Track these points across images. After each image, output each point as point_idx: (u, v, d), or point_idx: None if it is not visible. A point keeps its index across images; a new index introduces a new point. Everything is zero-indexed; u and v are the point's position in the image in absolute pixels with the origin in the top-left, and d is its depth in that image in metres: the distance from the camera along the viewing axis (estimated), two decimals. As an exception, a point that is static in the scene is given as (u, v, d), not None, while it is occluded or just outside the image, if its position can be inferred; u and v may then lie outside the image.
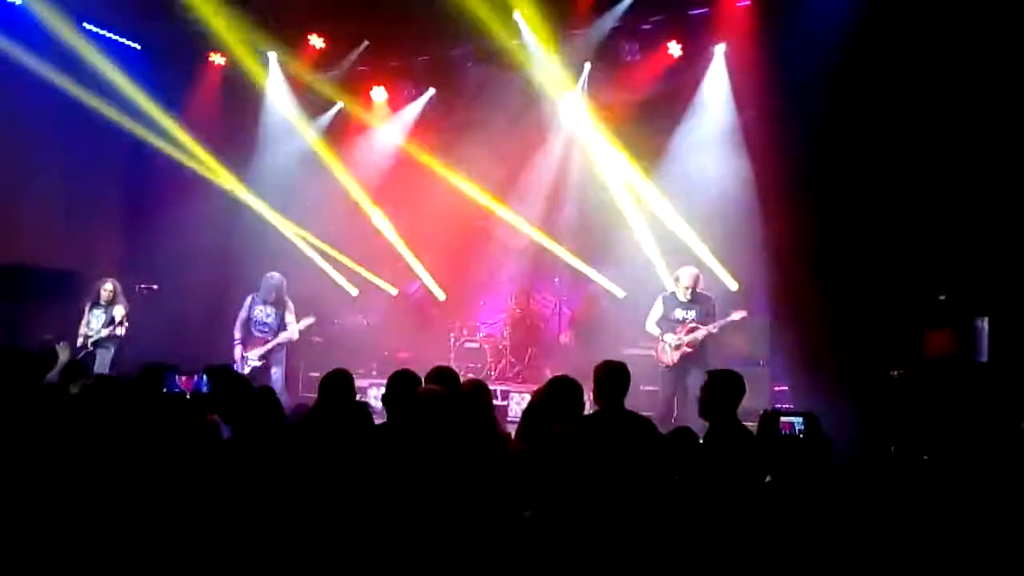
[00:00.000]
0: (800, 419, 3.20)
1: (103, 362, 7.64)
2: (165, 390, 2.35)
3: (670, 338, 6.80)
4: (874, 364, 6.68)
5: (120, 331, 7.73)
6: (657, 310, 6.98)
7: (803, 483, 2.96)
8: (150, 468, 2.20)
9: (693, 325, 6.78)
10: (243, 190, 9.87)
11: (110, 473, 2.11)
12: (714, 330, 6.75)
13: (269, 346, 7.59)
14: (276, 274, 7.79)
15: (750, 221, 7.87)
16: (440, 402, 2.93)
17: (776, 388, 7.78)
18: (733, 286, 8.12)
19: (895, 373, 6.36)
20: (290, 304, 7.74)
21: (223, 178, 9.80)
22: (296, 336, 7.76)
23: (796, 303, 7.58)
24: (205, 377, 2.16)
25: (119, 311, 7.75)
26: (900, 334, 6.68)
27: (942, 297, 6.47)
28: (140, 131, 9.20)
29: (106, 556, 1.81)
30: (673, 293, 6.99)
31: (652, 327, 6.96)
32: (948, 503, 2.98)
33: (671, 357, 6.75)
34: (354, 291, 10.28)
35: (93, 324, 7.74)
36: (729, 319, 6.83)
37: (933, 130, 6.88)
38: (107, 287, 7.78)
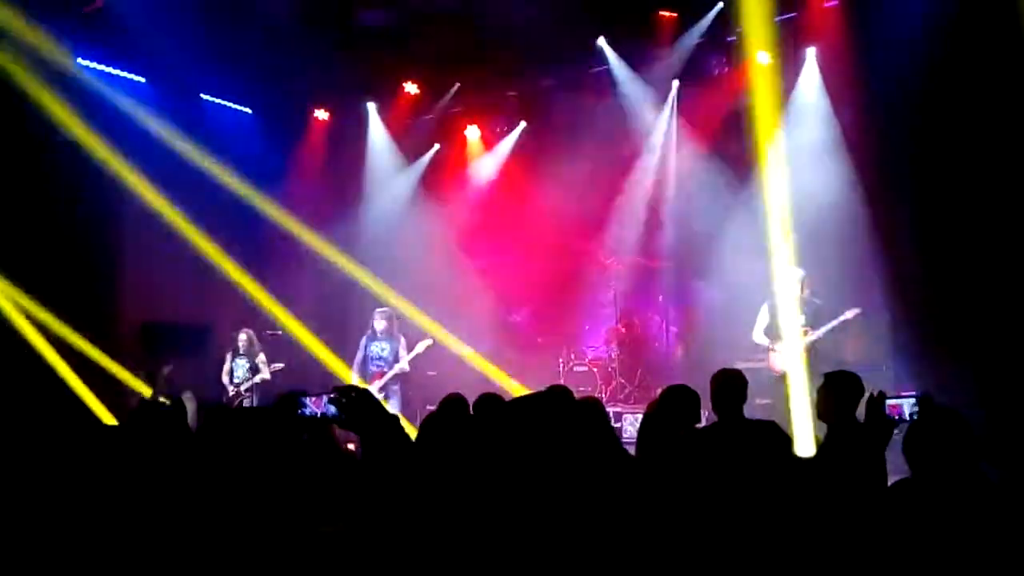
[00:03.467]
0: (911, 401, 2.85)
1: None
2: (300, 412, 2.49)
3: (781, 346, 6.63)
4: (1009, 363, 6.33)
5: (267, 376, 8.20)
6: (763, 318, 6.83)
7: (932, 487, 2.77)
8: (290, 490, 2.28)
9: (804, 329, 6.60)
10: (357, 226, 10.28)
11: (260, 497, 2.19)
12: (824, 333, 6.54)
13: (385, 379, 7.88)
14: (387, 307, 8.11)
15: (856, 223, 7.63)
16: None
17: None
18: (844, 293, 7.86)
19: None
20: (402, 338, 8.03)
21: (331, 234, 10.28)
22: (407, 367, 8.00)
23: (914, 304, 7.28)
24: (332, 396, 2.23)
25: (261, 358, 8.24)
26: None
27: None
28: (255, 191, 9.85)
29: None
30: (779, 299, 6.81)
31: (760, 336, 6.80)
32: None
33: (783, 365, 6.59)
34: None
35: (238, 373, 8.21)
36: (842, 318, 6.59)
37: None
38: (242, 337, 8.27)
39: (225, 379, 8.24)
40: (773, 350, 6.69)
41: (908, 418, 2.84)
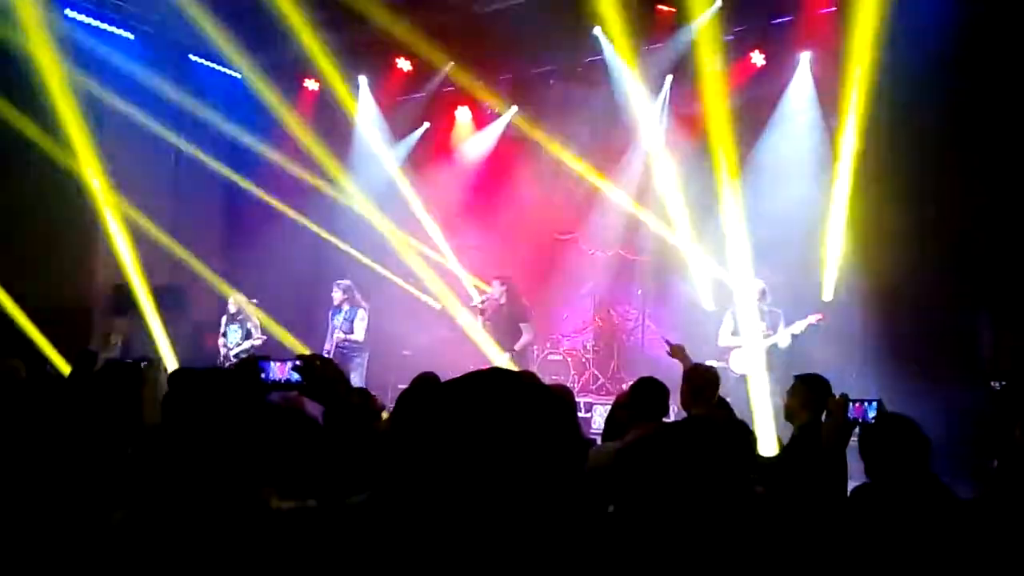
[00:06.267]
0: (875, 404, 2.98)
1: None
2: (264, 377, 2.46)
3: (742, 349, 6.74)
4: (974, 375, 6.43)
5: (256, 341, 8.19)
6: (728, 324, 6.96)
7: (894, 491, 2.84)
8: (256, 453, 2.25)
9: (766, 334, 6.70)
10: (341, 200, 10.27)
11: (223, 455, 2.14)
12: (785, 340, 6.67)
13: (330, 344, 7.94)
14: (345, 280, 8.20)
15: (838, 229, 7.70)
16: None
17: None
18: (827, 296, 7.94)
19: (997, 385, 6.09)
20: (363, 309, 8.06)
21: (316, 200, 10.24)
22: (360, 337, 8.03)
23: (889, 314, 7.35)
24: (295, 363, 2.22)
25: (254, 323, 8.24)
26: (1001, 345, 6.41)
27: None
28: (238, 156, 9.77)
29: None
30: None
31: (726, 339, 6.92)
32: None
33: (744, 368, 6.72)
34: (437, 304, 10.49)
35: (231, 338, 8.21)
36: (804, 323, 6.70)
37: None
38: (232, 301, 8.29)
39: (220, 344, 8.23)
40: (739, 348, 6.78)
41: (871, 421, 2.92)
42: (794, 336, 6.71)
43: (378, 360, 8.61)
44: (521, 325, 7.84)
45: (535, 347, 9.44)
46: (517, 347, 7.67)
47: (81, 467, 2.29)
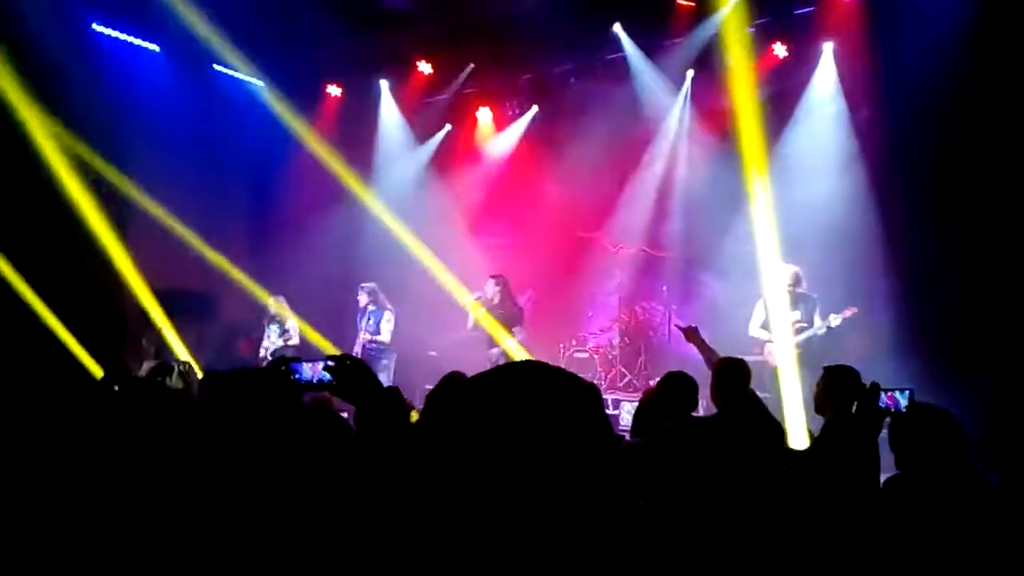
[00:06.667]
0: (907, 393, 2.94)
1: None
2: (296, 377, 2.49)
3: (775, 340, 6.61)
4: (1006, 367, 6.32)
5: (293, 341, 8.28)
6: (759, 314, 6.81)
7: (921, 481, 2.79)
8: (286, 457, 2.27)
9: (800, 325, 6.55)
10: (364, 210, 10.35)
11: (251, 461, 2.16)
12: (821, 330, 6.51)
13: (358, 344, 7.98)
14: (370, 283, 8.25)
15: (866, 218, 7.60)
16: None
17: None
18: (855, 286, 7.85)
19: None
20: (388, 311, 8.10)
21: (343, 203, 10.32)
22: (387, 339, 8.06)
23: (919, 305, 7.25)
24: (326, 363, 2.24)
25: (292, 323, 8.34)
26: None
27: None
28: (264, 162, 9.89)
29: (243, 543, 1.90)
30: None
31: (756, 331, 6.78)
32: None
33: (776, 359, 6.59)
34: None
35: (271, 339, 8.32)
36: (840, 316, 6.54)
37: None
38: (270, 302, 8.35)
39: (262, 347, 8.31)
40: (770, 342, 6.69)
41: (903, 410, 2.88)
42: (830, 328, 6.57)
43: (404, 361, 8.66)
44: (513, 329, 7.82)
45: (562, 344, 9.45)
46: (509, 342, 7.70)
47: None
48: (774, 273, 6.91)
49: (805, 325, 6.59)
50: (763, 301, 6.90)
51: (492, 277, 8.07)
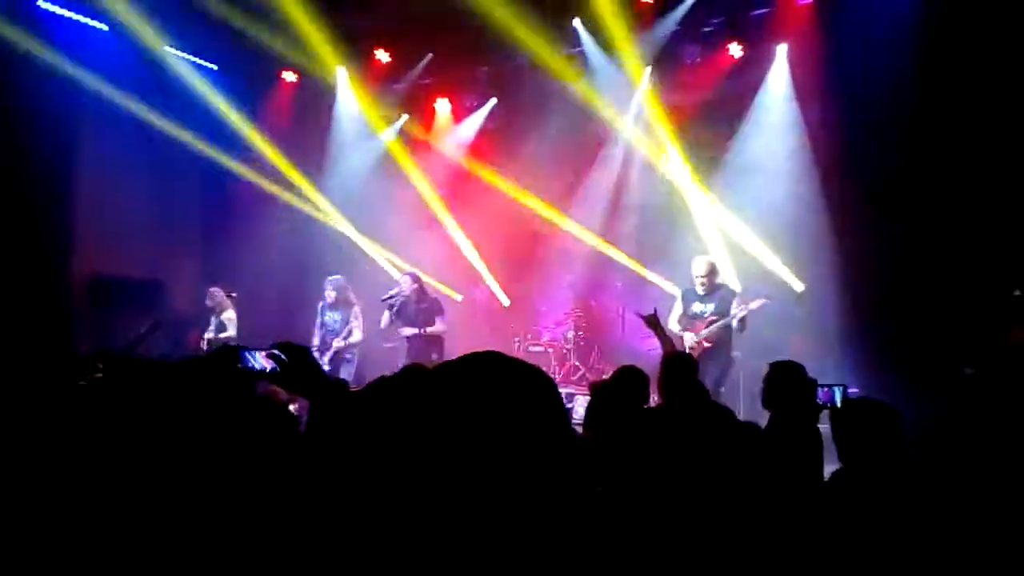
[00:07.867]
0: (841, 389, 3.08)
1: None
2: (243, 365, 2.35)
3: (688, 337, 6.40)
4: (948, 362, 6.51)
5: (229, 333, 8.09)
6: (677, 308, 6.68)
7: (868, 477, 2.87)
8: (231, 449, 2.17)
9: (711, 318, 6.37)
10: (316, 201, 10.23)
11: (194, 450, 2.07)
12: (733, 323, 6.31)
13: (333, 348, 7.77)
14: (337, 276, 7.97)
15: (815, 219, 7.77)
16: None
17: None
18: (799, 287, 8.02)
19: (968, 371, 6.19)
20: (356, 308, 7.91)
21: (296, 192, 10.19)
22: (359, 338, 7.89)
23: (865, 303, 7.44)
24: (270, 351, 2.08)
25: (228, 316, 8.13)
26: (974, 332, 6.51)
27: (1017, 293, 6.28)
28: (217, 148, 9.68)
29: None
30: (692, 287, 6.60)
31: (674, 325, 6.54)
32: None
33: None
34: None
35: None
36: (747, 308, 6.29)
37: (1004, 127, 6.71)
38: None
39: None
40: (683, 339, 6.45)
41: (838, 405, 3.01)
42: (742, 321, 6.33)
43: (360, 354, 8.52)
44: (436, 320, 7.72)
45: (516, 339, 9.48)
46: (429, 330, 7.64)
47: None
48: (691, 264, 6.68)
49: (714, 319, 6.37)
50: (681, 293, 6.75)
51: (407, 274, 7.90)
